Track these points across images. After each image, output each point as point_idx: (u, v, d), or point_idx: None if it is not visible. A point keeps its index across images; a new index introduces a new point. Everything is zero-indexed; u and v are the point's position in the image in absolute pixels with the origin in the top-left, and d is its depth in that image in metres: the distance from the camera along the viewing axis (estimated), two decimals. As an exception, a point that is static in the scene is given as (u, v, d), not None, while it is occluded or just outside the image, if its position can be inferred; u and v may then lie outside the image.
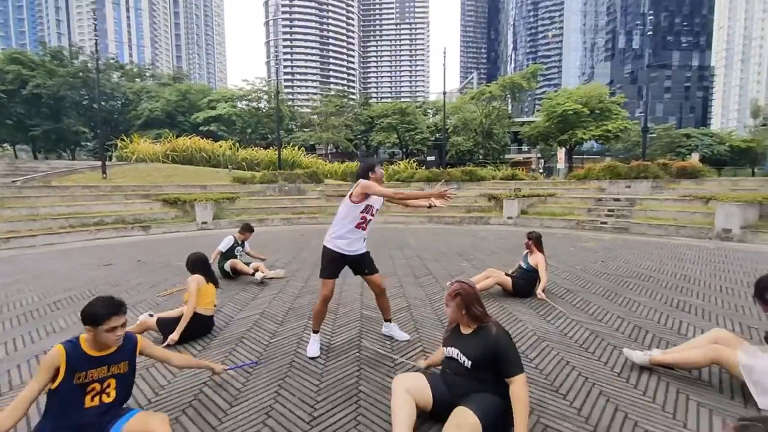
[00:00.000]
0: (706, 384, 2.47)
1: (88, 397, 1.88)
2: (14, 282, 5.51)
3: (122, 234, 10.46)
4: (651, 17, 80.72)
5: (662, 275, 5.40)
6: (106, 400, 1.93)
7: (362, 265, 3.05)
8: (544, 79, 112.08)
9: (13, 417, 1.69)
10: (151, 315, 3.45)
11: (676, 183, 12.90)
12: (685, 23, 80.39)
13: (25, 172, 15.63)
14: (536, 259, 4.40)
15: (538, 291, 4.26)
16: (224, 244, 5.45)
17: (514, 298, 4.32)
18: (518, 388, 1.91)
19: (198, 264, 3.53)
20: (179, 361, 2.34)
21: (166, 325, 3.19)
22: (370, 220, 3.00)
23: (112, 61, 37.55)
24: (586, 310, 3.93)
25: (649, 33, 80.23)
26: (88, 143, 40.69)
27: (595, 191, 13.85)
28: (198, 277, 3.39)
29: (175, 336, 3.09)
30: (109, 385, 1.93)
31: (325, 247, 2.97)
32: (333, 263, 2.95)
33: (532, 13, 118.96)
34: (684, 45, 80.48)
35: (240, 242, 5.61)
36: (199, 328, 3.32)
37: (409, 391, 1.99)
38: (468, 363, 2.03)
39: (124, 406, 2.03)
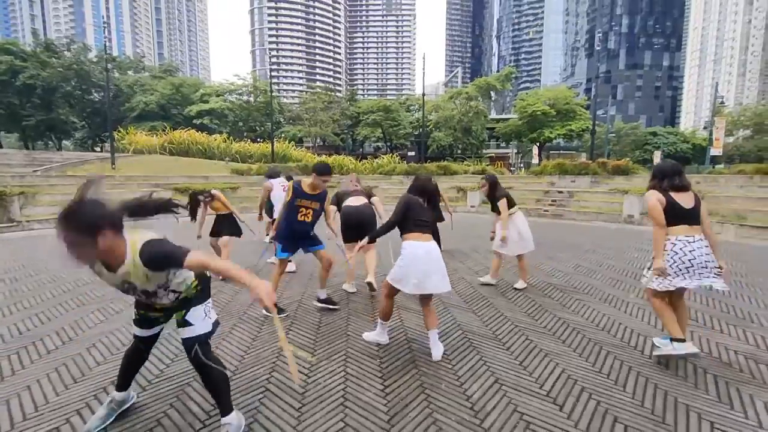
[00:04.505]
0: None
1: (299, 215, 3.60)
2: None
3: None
4: (625, 20, 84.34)
5: (550, 241, 7.79)
6: (306, 220, 3.64)
7: None
8: (526, 75, 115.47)
9: (282, 209, 3.59)
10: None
11: (611, 179, 15.48)
12: (657, 25, 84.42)
13: (41, 162, 17.11)
14: None
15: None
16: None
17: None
18: None
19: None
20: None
21: None
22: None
23: (104, 54, 38.33)
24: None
25: (623, 33, 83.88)
26: (76, 133, 41.28)
27: (547, 185, 16.33)
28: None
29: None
30: (309, 213, 3.63)
31: None
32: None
33: (516, 10, 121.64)
34: (656, 46, 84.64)
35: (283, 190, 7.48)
36: None
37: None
38: None
39: (313, 234, 3.75)
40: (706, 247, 2.64)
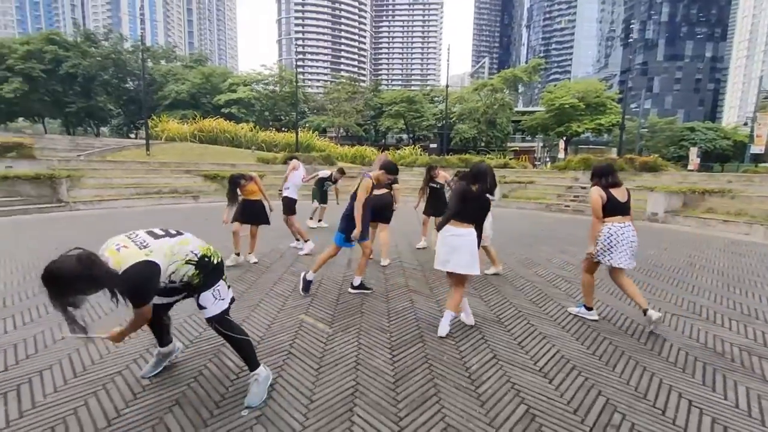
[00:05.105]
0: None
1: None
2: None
3: (178, 201, 13.09)
4: (666, 8, 79.82)
5: (567, 236, 7.85)
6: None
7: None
8: (556, 66, 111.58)
9: (361, 208, 3.93)
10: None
11: (638, 175, 15.09)
12: (701, 14, 79.44)
13: (84, 148, 18.30)
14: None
15: None
16: (322, 173, 7.91)
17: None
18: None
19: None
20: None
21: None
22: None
23: (140, 44, 39.99)
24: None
25: (662, 22, 79.52)
26: (113, 119, 43.42)
27: (570, 180, 16.10)
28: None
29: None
30: None
31: None
32: None
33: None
34: (699, 36, 79.77)
35: (333, 179, 7.90)
36: None
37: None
38: None
39: None
40: (633, 231, 3.40)
